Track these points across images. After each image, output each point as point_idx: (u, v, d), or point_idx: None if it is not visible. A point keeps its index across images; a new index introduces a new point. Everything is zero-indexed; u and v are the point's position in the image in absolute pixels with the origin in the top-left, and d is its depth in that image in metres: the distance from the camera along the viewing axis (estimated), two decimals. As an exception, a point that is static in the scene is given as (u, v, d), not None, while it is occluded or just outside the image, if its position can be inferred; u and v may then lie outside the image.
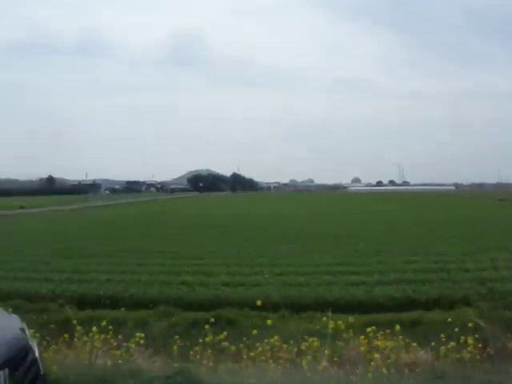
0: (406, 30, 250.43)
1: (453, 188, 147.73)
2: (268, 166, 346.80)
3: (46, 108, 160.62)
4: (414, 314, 9.57)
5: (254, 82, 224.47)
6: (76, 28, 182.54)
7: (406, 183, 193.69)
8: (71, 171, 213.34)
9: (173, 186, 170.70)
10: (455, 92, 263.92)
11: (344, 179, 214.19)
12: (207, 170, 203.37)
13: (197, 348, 6.63)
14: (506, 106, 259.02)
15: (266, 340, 6.65)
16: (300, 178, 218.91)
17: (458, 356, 6.09)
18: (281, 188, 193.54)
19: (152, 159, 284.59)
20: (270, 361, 6.05)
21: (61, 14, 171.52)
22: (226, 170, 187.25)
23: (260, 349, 6.44)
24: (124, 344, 6.59)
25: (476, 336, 6.43)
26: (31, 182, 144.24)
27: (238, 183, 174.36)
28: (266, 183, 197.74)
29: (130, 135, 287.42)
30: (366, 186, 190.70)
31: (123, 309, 9.92)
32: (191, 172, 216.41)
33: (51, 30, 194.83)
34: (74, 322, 6.97)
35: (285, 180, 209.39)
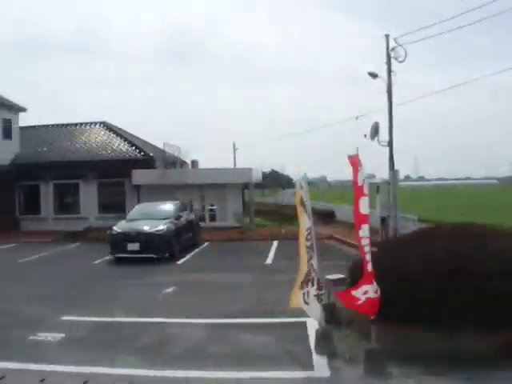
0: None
1: (495, 181, 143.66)
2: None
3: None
4: None
5: (254, 77, 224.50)
6: (74, 25, 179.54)
7: (421, 178, 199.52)
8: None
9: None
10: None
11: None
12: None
13: None
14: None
15: None
16: (311, 174, 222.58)
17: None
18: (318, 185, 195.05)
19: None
20: None
21: (58, 11, 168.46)
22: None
23: None
24: None
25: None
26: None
27: (280, 181, 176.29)
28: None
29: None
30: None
31: None
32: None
33: (48, 27, 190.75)
34: None
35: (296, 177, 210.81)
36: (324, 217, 25.64)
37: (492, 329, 5.89)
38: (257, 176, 29.39)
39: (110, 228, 16.27)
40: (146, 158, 24.42)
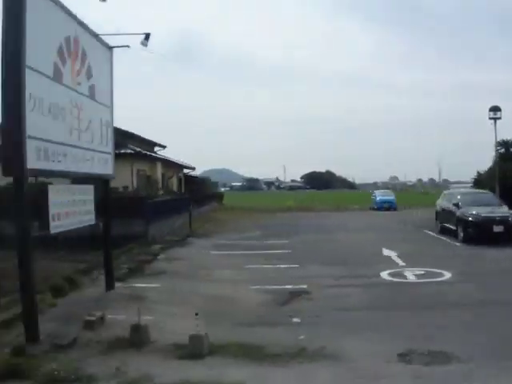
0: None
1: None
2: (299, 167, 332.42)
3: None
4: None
5: (254, 79, 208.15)
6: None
7: (445, 181, 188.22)
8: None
9: (291, 184, 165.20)
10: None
11: (379, 178, 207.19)
12: (223, 170, 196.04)
13: None
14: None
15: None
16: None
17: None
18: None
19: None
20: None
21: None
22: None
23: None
24: None
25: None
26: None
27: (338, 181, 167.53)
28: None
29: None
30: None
31: None
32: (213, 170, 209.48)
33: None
34: None
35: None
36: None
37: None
38: None
39: None
40: None
